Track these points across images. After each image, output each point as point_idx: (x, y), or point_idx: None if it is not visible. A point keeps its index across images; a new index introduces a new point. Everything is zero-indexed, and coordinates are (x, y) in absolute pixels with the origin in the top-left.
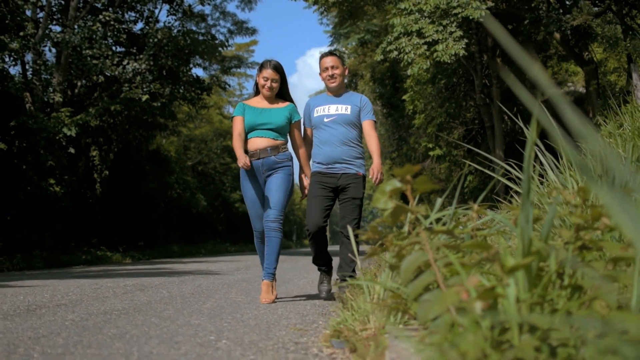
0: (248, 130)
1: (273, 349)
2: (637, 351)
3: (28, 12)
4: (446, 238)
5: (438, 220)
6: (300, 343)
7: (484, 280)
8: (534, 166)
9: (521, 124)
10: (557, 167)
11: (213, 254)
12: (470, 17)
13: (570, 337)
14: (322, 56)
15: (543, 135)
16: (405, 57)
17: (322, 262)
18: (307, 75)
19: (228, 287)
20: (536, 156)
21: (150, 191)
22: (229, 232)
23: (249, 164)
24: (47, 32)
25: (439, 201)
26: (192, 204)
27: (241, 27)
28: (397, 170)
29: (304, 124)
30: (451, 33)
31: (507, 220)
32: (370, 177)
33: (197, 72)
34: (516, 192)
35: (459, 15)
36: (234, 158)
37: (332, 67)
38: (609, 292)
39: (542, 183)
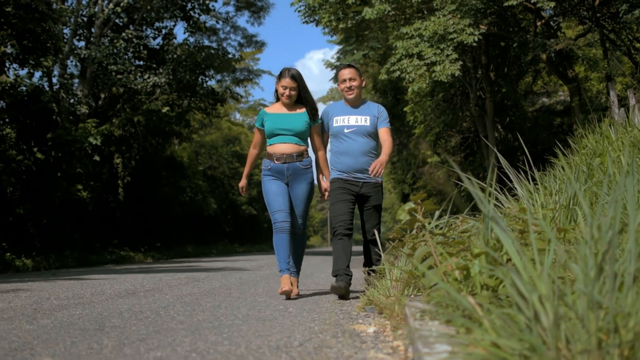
0: (270, 135)
1: (327, 312)
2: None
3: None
4: (442, 238)
5: (436, 226)
6: (343, 310)
7: (462, 261)
8: (508, 183)
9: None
10: (533, 182)
11: (224, 254)
12: (465, 42)
13: (510, 293)
14: (340, 68)
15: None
16: (407, 76)
17: (343, 271)
18: (306, 78)
19: (265, 280)
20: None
21: (166, 195)
22: (236, 234)
23: (245, 194)
24: (72, 47)
25: (437, 213)
26: (204, 207)
27: (250, 41)
28: (412, 197)
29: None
30: (448, 56)
31: (480, 226)
32: (371, 168)
33: (211, 83)
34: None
35: (455, 40)
36: (242, 163)
37: (350, 79)
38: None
39: (515, 194)
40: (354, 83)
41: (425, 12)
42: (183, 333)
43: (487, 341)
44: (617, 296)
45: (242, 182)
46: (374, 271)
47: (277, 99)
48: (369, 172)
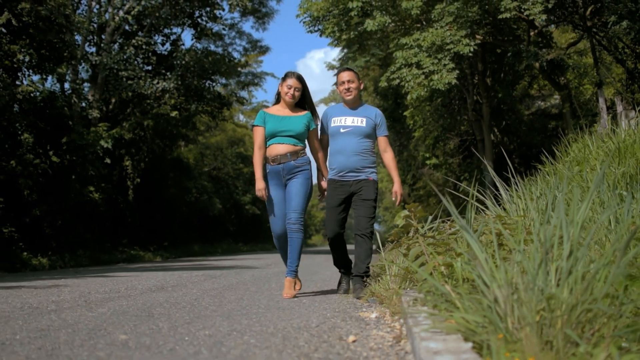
0: (270, 137)
1: (335, 303)
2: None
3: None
4: (432, 240)
5: (430, 228)
6: (349, 301)
7: (447, 259)
8: (493, 189)
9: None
10: (519, 187)
11: (229, 252)
12: (461, 53)
13: (477, 282)
14: (340, 71)
15: (505, 165)
16: (406, 85)
17: (342, 265)
18: (307, 77)
19: (276, 277)
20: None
21: (172, 196)
22: (240, 233)
23: (266, 197)
24: (83, 53)
25: (429, 218)
26: (209, 207)
27: (255, 45)
28: (408, 206)
29: (320, 131)
30: (445, 65)
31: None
32: (392, 199)
33: (217, 87)
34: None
35: (452, 51)
36: (246, 164)
37: (349, 81)
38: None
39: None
40: (352, 85)
41: (424, 24)
42: (220, 318)
43: (459, 317)
44: (555, 286)
45: (260, 184)
46: (362, 277)
47: (277, 101)
48: (395, 204)
